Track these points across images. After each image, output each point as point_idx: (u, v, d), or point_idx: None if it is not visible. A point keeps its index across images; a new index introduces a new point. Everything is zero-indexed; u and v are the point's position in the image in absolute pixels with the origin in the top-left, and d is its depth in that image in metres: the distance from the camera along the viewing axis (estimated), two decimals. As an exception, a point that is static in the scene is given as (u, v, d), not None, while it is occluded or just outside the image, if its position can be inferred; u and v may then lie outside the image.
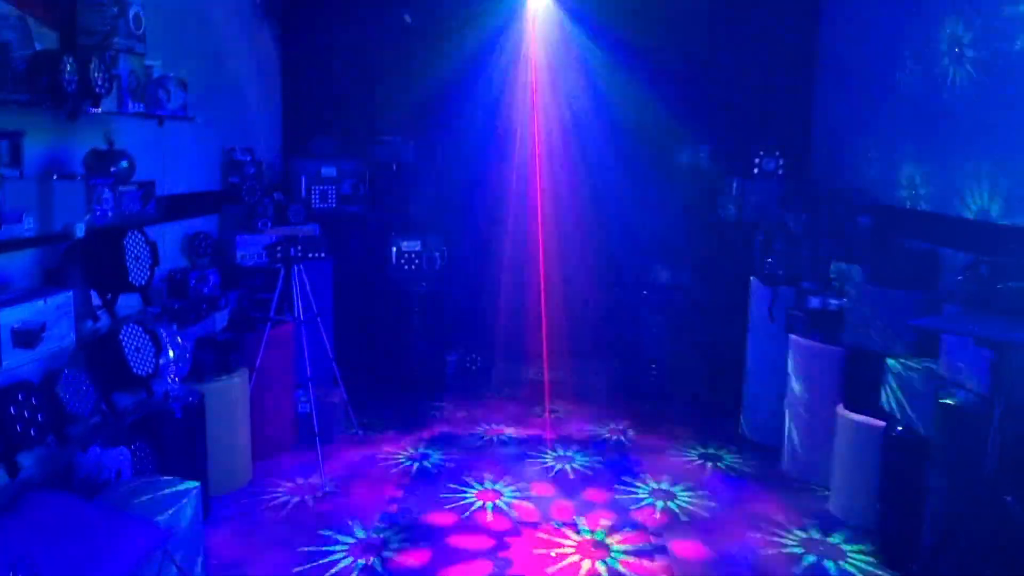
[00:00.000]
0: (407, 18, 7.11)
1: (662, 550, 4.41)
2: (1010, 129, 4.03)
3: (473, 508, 4.89)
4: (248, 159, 6.07)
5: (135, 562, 3.17)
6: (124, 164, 3.92)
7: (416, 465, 5.56)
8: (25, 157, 3.40)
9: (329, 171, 6.87)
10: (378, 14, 7.11)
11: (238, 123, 6.30)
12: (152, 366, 4.18)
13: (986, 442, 3.00)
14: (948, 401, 3.50)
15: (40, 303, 3.30)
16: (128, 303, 4.20)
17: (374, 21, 7.13)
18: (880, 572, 4.15)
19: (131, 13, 3.92)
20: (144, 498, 3.63)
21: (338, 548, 4.39)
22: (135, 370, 4.04)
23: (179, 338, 4.70)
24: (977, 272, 3.57)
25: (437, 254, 7.08)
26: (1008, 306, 3.32)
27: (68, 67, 3.29)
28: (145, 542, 3.26)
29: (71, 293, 3.51)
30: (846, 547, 4.44)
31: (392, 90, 7.17)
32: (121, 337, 3.97)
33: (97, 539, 3.11)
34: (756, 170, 6.32)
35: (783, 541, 4.52)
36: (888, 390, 4.24)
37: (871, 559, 4.28)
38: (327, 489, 5.13)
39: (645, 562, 4.27)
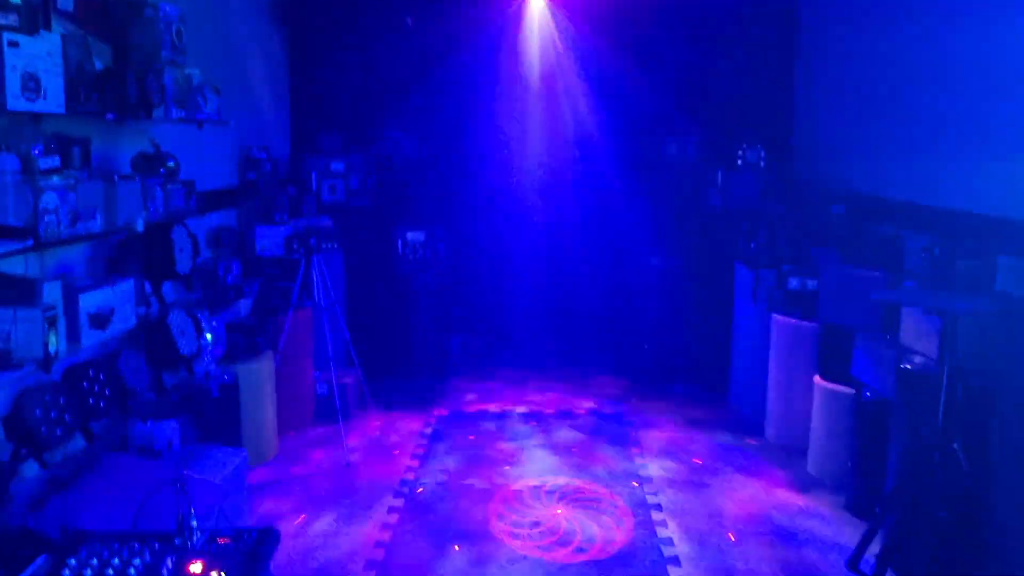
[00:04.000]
0: (409, 20, 7.52)
1: (657, 507, 4.90)
2: (964, 125, 4.51)
3: (484, 474, 5.38)
4: (264, 156, 6.46)
5: (198, 514, 3.61)
6: (171, 164, 4.35)
7: (428, 438, 6.02)
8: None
9: (338, 166, 7.27)
10: (381, 17, 7.48)
11: (254, 122, 6.70)
12: (195, 347, 4.63)
13: (937, 399, 3.49)
14: (906, 366, 4.00)
15: (109, 290, 3.73)
16: (167, 289, 4.62)
17: (377, 24, 7.50)
18: (849, 519, 4.68)
19: (174, 29, 4.33)
20: (199, 462, 4.08)
21: (361, 508, 4.87)
22: (182, 350, 4.48)
23: (214, 322, 5.14)
24: (932, 253, 4.06)
25: (441, 244, 7.50)
26: (956, 282, 3.83)
27: (131, 82, 3.71)
28: (205, 497, 3.71)
29: (132, 280, 3.94)
30: (821, 501, 4.96)
31: (395, 88, 7.56)
32: (169, 321, 4.42)
33: (166, 492, 3.55)
34: (740, 162, 6.80)
35: (765, 497, 5.03)
36: (858, 360, 4.74)
37: (843, 511, 4.81)
38: (349, 460, 5.58)
39: (639, 512, 4.76)
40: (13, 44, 2.79)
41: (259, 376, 5.56)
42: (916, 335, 4.01)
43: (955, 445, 3.40)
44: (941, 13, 4.74)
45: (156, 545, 1.82)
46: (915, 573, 3.58)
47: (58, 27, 3.59)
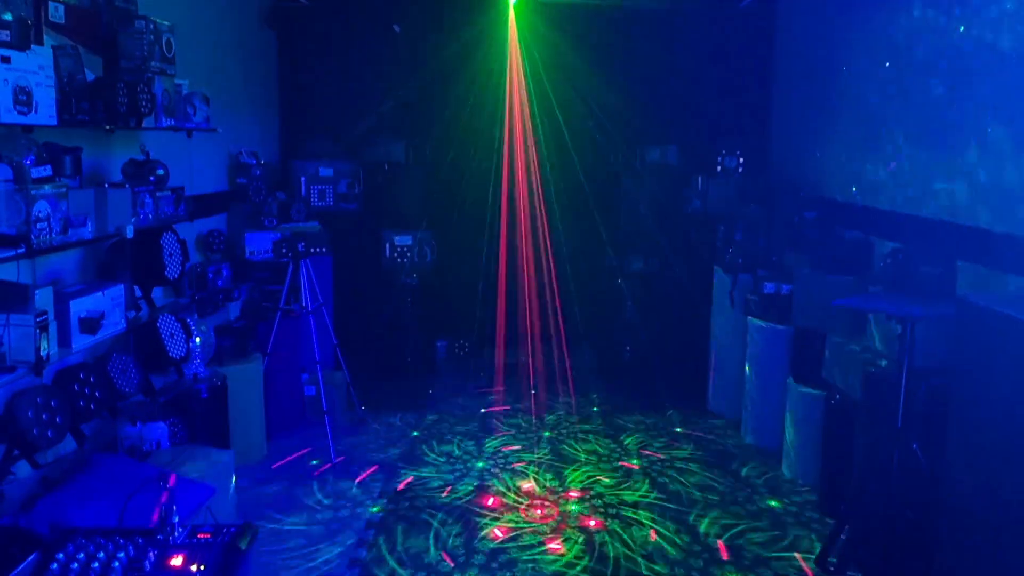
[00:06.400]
0: (396, 28, 7.64)
1: (634, 505, 5.03)
2: (926, 134, 4.66)
3: (470, 474, 5.50)
4: (254, 162, 6.57)
5: (188, 514, 3.73)
6: (161, 172, 4.46)
7: (414, 440, 6.15)
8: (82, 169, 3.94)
9: (326, 171, 7.39)
10: (369, 23, 7.62)
11: (243, 128, 6.80)
12: (184, 350, 4.75)
13: (897, 401, 3.63)
14: (871, 369, 4.14)
15: (100, 294, 3.84)
16: (157, 294, 4.75)
17: (365, 30, 7.64)
18: (818, 518, 4.82)
19: (164, 40, 4.45)
20: (187, 463, 4.19)
21: (348, 507, 4.99)
22: (171, 353, 4.61)
23: (203, 326, 5.26)
24: (896, 258, 4.20)
25: (428, 248, 7.62)
26: (919, 287, 3.97)
27: (121, 92, 3.83)
28: (194, 497, 3.82)
29: (122, 286, 4.06)
30: (793, 500, 5.10)
31: (383, 94, 7.68)
32: (159, 324, 4.54)
33: (157, 493, 3.67)
34: (719, 168, 6.94)
35: (738, 498, 5.16)
36: (829, 363, 4.88)
37: (814, 509, 4.95)
38: (336, 461, 5.70)
39: (611, 509, 4.90)
40: (4, 59, 2.91)
41: (248, 378, 5.67)
42: (880, 339, 4.15)
43: (914, 446, 3.53)
44: (905, 29, 4.88)
45: (139, 540, 1.94)
46: (875, 571, 3.71)
47: (50, 40, 3.70)
